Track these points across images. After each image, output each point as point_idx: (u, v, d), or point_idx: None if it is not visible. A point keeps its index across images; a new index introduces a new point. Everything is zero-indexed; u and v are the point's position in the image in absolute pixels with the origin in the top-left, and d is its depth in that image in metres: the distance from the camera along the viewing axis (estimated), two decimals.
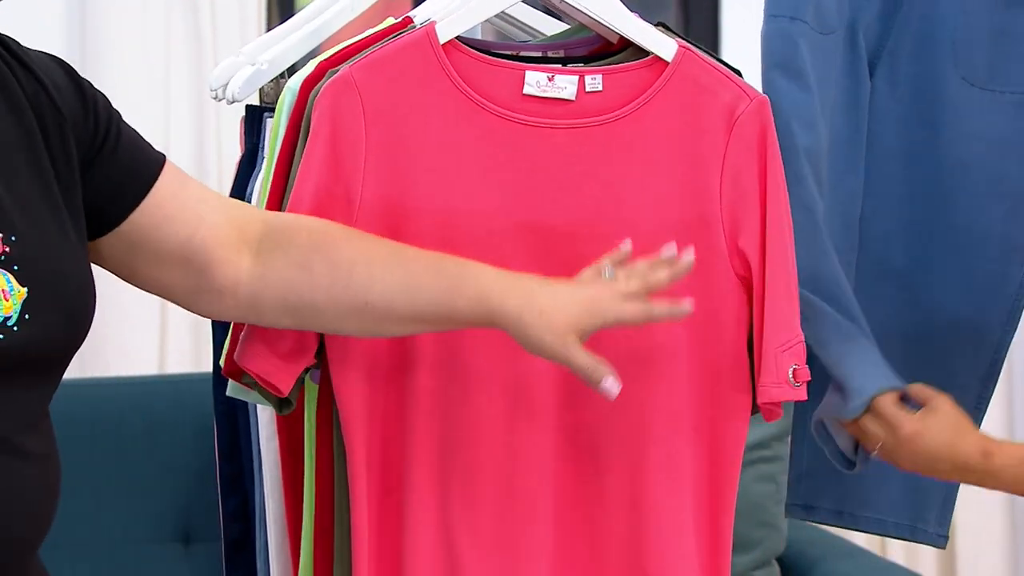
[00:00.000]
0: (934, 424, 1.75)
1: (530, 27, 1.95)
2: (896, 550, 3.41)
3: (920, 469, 1.76)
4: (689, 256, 1.58)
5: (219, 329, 1.94)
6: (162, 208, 1.51)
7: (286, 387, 1.61)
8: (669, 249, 1.59)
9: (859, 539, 3.34)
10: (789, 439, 3.13)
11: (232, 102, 1.90)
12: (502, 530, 1.65)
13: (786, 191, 1.69)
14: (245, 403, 1.88)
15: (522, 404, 1.65)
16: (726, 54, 3.47)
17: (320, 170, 1.61)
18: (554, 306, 1.54)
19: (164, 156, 1.54)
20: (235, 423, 1.96)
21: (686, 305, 1.58)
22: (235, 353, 1.62)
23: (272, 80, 1.92)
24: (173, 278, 1.55)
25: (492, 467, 1.65)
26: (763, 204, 1.67)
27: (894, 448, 1.75)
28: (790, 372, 1.66)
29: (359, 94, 1.62)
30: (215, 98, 1.95)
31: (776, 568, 3.09)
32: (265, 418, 1.86)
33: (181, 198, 1.53)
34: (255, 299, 1.56)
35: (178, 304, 1.59)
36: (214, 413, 1.98)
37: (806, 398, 1.68)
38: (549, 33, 1.93)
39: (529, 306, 1.54)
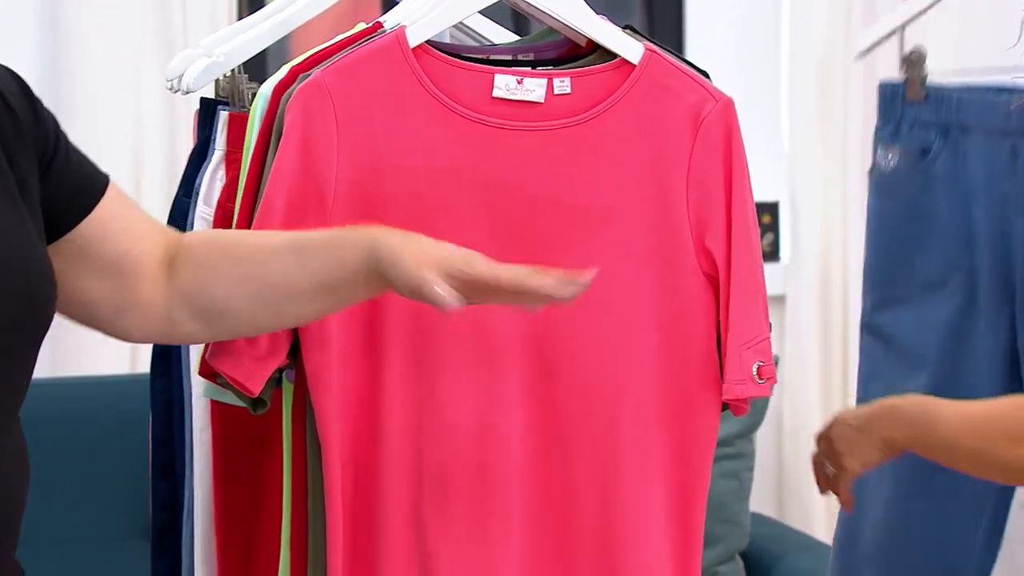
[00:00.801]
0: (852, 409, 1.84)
1: (487, 39, 1.96)
2: None
3: (848, 448, 1.81)
4: (589, 275, 1.51)
5: None
6: (106, 222, 1.54)
7: (256, 388, 1.62)
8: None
9: (820, 534, 3.38)
10: (753, 436, 3.18)
11: (186, 93, 1.91)
12: (475, 526, 1.67)
13: (751, 191, 1.72)
14: (182, 392, 1.90)
15: (494, 402, 1.67)
16: (691, 56, 3.49)
17: (293, 174, 1.63)
18: (426, 248, 1.52)
19: (109, 176, 1.57)
20: (171, 412, 1.96)
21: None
22: (207, 354, 1.64)
23: (228, 74, 1.92)
24: (103, 292, 1.56)
25: (465, 465, 1.67)
26: (728, 204, 1.70)
27: (835, 445, 1.80)
28: (754, 369, 1.69)
29: (331, 98, 1.64)
30: (171, 89, 1.96)
31: (740, 563, 3.12)
32: (199, 409, 1.86)
33: (125, 216, 1.56)
34: (169, 310, 1.58)
35: (99, 327, 1.60)
36: (150, 402, 1.98)
37: (770, 394, 1.71)
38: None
39: (405, 243, 1.51)
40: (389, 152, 1.65)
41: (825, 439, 1.85)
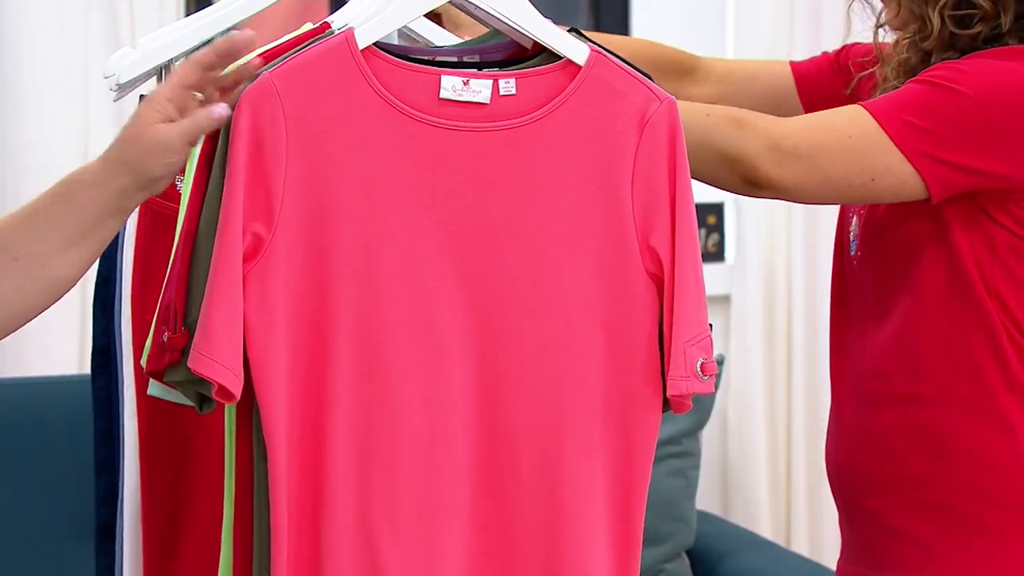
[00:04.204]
0: None
1: (428, 40, 1.98)
2: (801, 542, 3.47)
3: None
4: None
5: (99, 315, 1.96)
6: None
7: (238, 392, 1.63)
8: None
9: (765, 531, 3.41)
10: (699, 435, 3.21)
11: (119, 88, 1.91)
12: (422, 524, 1.68)
13: (692, 191, 1.74)
14: (119, 389, 1.91)
15: (440, 401, 1.68)
16: None
17: (244, 176, 1.63)
18: (133, 138, 1.57)
19: None
20: (111, 409, 1.97)
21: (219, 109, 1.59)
22: (190, 361, 1.62)
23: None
24: None
25: (412, 464, 1.68)
26: (672, 203, 1.71)
27: None
28: (698, 365, 1.70)
29: (279, 99, 1.64)
30: (111, 88, 1.97)
31: (686, 560, 3.15)
32: (129, 404, 1.88)
33: None
34: None
35: None
36: (92, 399, 1.98)
37: (713, 391, 1.73)
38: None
39: (128, 167, 1.57)
40: (338, 153, 1.66)
41: None
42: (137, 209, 1.84)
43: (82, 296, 3.07)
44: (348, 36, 1.67)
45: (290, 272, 1.65)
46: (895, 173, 1.90)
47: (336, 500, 1.66)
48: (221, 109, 1.57)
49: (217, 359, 1.61)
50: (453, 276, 1.68)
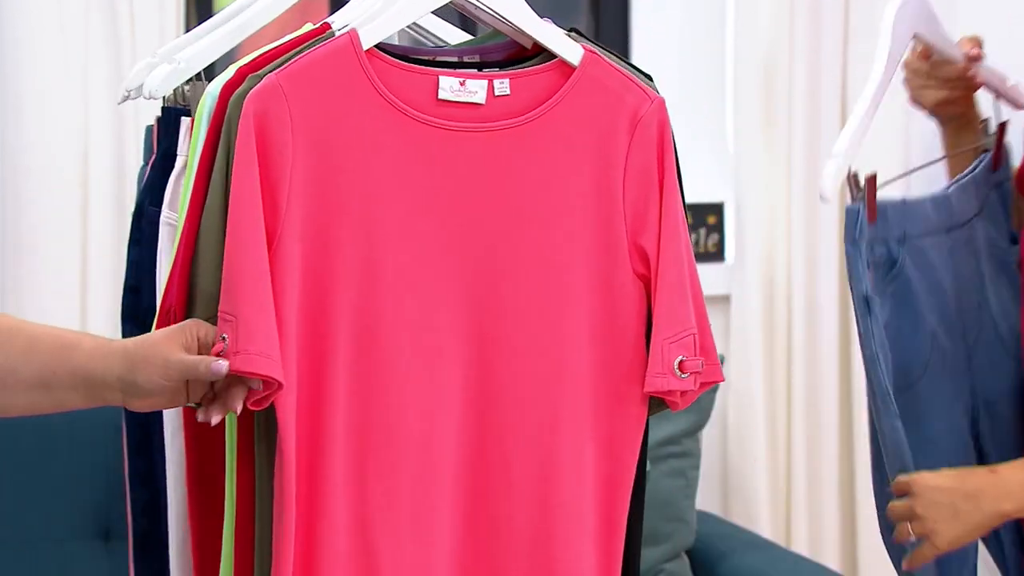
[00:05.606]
0: (939, 474, 1.89)
1: (440, 38, 1.98)
2: (801, 542, 3.47)
3: (947, 518, 1.84)
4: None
5: (128, 325, 1.95)
6: None
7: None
8: None
9: (764, 531, 3.41)
10: (699, 435, 3.21)
11: (149, 98, 1.91)
12: (415, 522, 1.69)
13: (679, 189, 1.74)
14: None
15: (435, 403, 1.69)
16: (636, 58, 3.52)
17: (251, 179, 1.63)
18: (150, 340, 1.61)
19: None
20: (146, 418, 1.97)
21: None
22: (237, 363, 1.61)
23: (190, 81, 1.93)
24: None
25: (405, 460, 1.69)
26: (660, 201, 1.73)
27: (923, 512, 1.85)
28: (676, 363, 1.71)
29: (286, 100, 1.64)
30: (127, 98, 1.96)
31: (686, 561, 3.14)
32: (170, 413, 1.87)
33: None
34: None
35: None
36: (124, 411, 1.98)
37: (693, 388, 1.73)
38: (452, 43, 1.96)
39: (130, 361, 1.60)
40: (341, 153, 1.66)
41: (909, 505, 1.86)
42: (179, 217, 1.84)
43: (82, 297, 3.06)
44: (352, 37, 1.68)
45: (293, 273, 1.65)
46: None
47: (334, 498, 1.67)
48: (222, 366, 1.59)
49: (266, 354, 1.60)
50: (450, 275, 1.69)
